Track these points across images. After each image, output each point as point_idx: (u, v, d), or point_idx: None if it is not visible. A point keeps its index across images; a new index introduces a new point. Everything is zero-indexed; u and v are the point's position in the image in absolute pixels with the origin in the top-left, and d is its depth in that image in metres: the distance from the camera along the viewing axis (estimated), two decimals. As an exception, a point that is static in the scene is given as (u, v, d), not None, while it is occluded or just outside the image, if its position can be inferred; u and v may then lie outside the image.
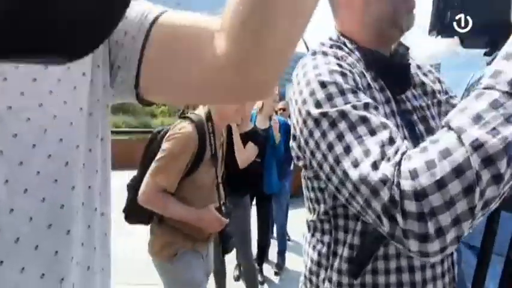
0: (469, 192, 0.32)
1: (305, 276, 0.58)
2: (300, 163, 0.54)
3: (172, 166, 1.04)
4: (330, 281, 0.52)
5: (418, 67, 0.62)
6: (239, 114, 1.21)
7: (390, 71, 0.54)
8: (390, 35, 0.54)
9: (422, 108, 0.56)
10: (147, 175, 1.04)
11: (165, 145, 1.05)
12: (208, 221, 1.09)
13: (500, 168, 0.31)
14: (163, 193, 1.04)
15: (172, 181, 1.04)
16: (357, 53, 0.54)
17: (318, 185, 0.54)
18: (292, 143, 0.53)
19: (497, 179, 0.32)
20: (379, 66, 0.53)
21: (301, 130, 0.47)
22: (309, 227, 0.59)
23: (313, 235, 0.57)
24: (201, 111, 1.15)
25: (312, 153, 0.46)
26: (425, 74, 0.61)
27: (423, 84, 0.59)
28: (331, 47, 0.54)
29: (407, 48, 0.57)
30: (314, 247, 0.56)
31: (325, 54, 0.50)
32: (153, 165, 1.04)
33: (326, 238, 0.54)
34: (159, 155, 1.05)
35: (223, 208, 1.17)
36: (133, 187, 1.13)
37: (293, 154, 0.54)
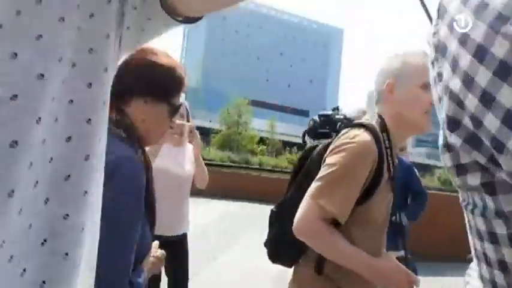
0: None
1: None
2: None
3: (344, 186, 0.75)
4: None
5: None
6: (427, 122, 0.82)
7: None
8: None
9: None
10: (307, 198, 0.77)
11: (332, 158, 0.78)
12: (395, 275, 0.75)
13: None
14: (330, 224, 0.76)
15: (344, 206, 0.75)
16: None
17: None
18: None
19: None
20: None
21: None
22: None
23: None
24: (369, 117, 0.87)
25: None
26: None
27: None
28: None
29: None
30: None
31: None
32: (315, 185, 0.77)
33: None
34: (323, 172, 0.78)
35: (405, 258, 0.88)
36: (280, 214, 0.90)
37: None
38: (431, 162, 47.75)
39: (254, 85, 61.40)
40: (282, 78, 67.66)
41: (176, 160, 1.58)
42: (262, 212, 6.72)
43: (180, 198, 1.65)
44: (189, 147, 1.69)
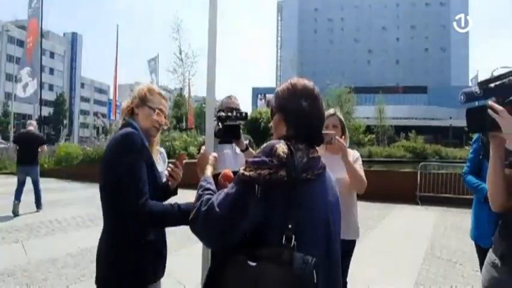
0: None
1: None
2: None
3: None
4: None
5: None
6: None
7: None
8: None
9: None
10: None
11: None
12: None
13: None
14: None
15: None
16: None
17: None
18: None
19: None
20: None
21: None
22: None
23: None
24: None
25: None
26: None
27: None
28: None
29: None
30: None
31: None
32: None
33: None
34: None
35: None
36: None
37: None
38: None
39: (354, 71, 56.70)
40: (387, 55, 59.82)
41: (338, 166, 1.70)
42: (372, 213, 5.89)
43: (349, 203, 1.77)
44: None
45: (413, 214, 6.16)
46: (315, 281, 0.75)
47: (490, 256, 1.20)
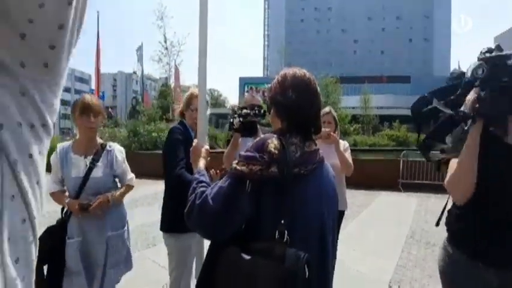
0: None
1: None
2: None
3: None
4: None
5: None
6: None
7: None
8: None
9: None
10: None
11: None
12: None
13: None
14: None
15: None
16: None
17: None
18: None
19: None
20: None
21: None
22: None
23: None
24: None
25: None
26: None
27: None
28: None
29: None
30: None
31: None
32: None
33: None
34: None
35: None
36: None
37: None
38: None
39: (341, 61, 57.03)
40: (372, 45, 60.36)
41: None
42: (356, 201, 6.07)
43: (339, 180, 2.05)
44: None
45: (396, 200, 6.41)
46: (307, 276, 0.76)
47: (446, 236, 1.24)
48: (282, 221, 0.80)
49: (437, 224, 1.31)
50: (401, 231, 4.35)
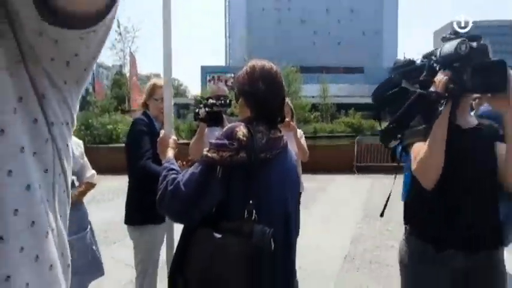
0: None
1: None
2: None
3: None
4: None
5: None
6: None
7: None
8: None
9: None
10: None
11: None
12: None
13: None
14: None
15: None
16: None
17: None
18: None
19: None
20: None
21: None
22: None
23: None
24: None
25: None
26: None
27: None
28: None
29: None
30: None
31: None
32: None
33: None
34: None
35: None
36: None
37: None
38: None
39: (301, 51, 58.30)
40: (330, 37, 62.56)
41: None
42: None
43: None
44: None
45: (351, 182, 6.92)
46: (272, 249, 0.84)
47: (407, 230, 1.25)
48: (250, 202, 0.87)
49: (382, 215, 1.31)
50: (356, 210, 4.75)
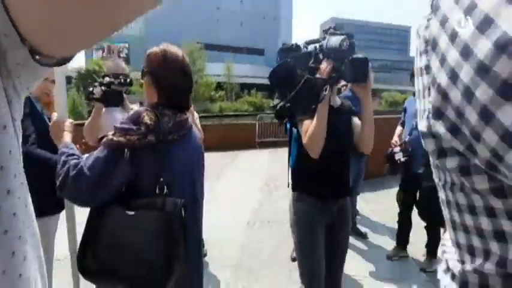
0: None
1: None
2: (462, 146, 0.34)
3: None
4: None
5: None
6: None
7: None
8: None
9: None
10: None
11: None
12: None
13: None
14: None
15: None
16: None
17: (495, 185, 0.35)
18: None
19: None
20: None
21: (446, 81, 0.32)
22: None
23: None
24: None
25: (471, 129, 0.31)
26: None
27: None
28: None
29: None
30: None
31: None
32: None
33: None
34: None
35: None
36: None
37: (422, 129, 0.37)
38: (379, 86, 49.91)
39: (205, 27, 56.44)
40: (233, 16, 62.65)
41: None
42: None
43: None
44: None
45: (254, 156, 7.52)
46: (183, 216, 0.92)
47: (295, 193, 1.47)
48: (161, 179, 0.93)
49: (288, 185, 1.54)
50: (258, 181, 5.26)
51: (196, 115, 2.60)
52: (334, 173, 1.40)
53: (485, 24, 0.27)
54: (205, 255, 2.59)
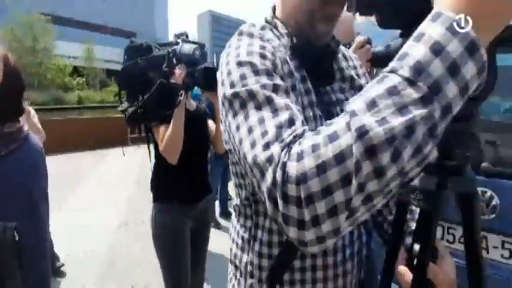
0: (346, 182, 0.29)
1: (231, 261, 0.60)
2: (227, 147, 0.54)
3: None
4: (252, 264, 0.54)
5: (346, 59, 0.62)
6: None
7: (314, 61, 0.53)
8: (319, 28, 0.52)
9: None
10: None
11: None
12: None
13: (381, 162, 0.27)
14: None
15: None
16: (286, 38, 0.53)
17: (240, 170, 0.54)
18: (221, 127, 0.56)
19: (378, 172, 0.28)
20: (303, 56, 0.52)
21: (222, 112, 0.47)
22: (235, 211, 0.60)
23: (238, 220, 0.58)
24: None
25: (229, 136, 0.45)
26: (354, 67, 0.62)
27: (352, 78, 0.59)
28: (262, 28, 0.53)
29: (338, 43, 0.58)
30: (238, 232, 0.58)
31: (250, 35, 0.49)
32: None
33: (248, 223, 0.55)
34: None
35: None
36: None
37: (223, 138, 0.56)
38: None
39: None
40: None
41: None
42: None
43: None
44: None
45: (126, 153, 6.91)
46: (17, 240, 0.84)
47: (155, 203, 1.49)
48: None
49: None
50: (130, 179, 4.95)
51: (32, 112, 2.32)
52: (193, 175, 1.43)
53: None
54: (63, 273, 2.32)
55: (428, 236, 0.39)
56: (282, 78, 0.45)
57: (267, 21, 0.56)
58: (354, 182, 0.28)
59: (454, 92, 0.27)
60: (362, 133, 0.28)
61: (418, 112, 0.27)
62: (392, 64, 0.29)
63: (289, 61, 0.50)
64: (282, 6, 0.56)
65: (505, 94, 1.93)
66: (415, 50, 0.28)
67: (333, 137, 0.30)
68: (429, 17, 0.29)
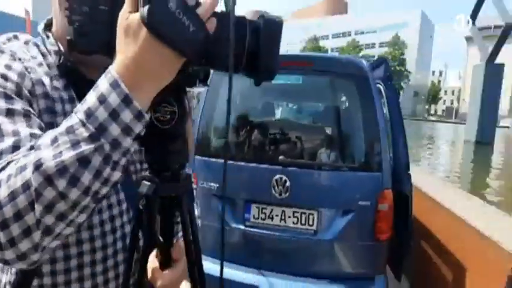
0: (32, 206, 0.33)
1: None
2: None
3: None
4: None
5: None
6: None
7: (86, 82, 0.47)
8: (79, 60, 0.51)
9: None
10: None
11: None
12: None
13: (60, 187, 0.33)
14: None
15: None
16: (54, 56, 0.52)
17: None
18: None
19: (62, 195, 0.33)
20: (72, 76, 0.52)
21: None
22: None
23: None
24: None
25: None
26: None
27: None
28: (25, 43, 0.52)
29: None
30: None
31: (1, 52, 0.48)
32: None
33: None
34: None
35: None
36: None
37: None
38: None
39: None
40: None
41: None
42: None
43: None
44: None
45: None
46: None
47: None
48: None
49: None
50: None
51: None
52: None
53: None
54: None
55: (151, 231, 0.45)
56: (30, 101, 0.46)
57: (40, 33, 0.54)
58: (39, 206, 0.33)
59: (118, 131, 0.34)
60: (38, 165, 0.33)
61: (87, 147, 0.33)
62: (77, 106, 0.35)
63: (46, 82, 0.49)
64: (55, 22, 0.54)
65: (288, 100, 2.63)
66: (89, 97, 0.34)
67: (22, 168, 0.34)
68: (105, 72, 0.35)
